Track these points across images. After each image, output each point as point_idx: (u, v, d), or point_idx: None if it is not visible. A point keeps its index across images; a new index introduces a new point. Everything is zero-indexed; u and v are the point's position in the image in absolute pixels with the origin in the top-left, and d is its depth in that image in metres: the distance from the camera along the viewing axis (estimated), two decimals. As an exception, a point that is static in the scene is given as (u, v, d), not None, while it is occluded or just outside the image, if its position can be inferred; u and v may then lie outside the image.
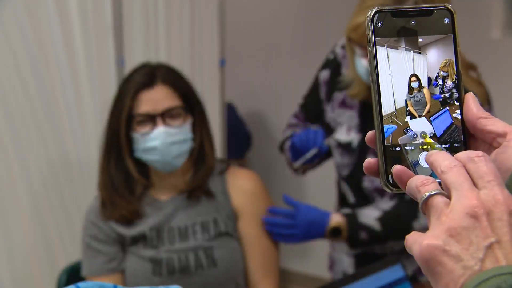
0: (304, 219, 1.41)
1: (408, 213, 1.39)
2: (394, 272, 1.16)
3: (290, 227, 1.41)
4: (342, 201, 1.61)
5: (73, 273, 1.55)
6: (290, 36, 3.31)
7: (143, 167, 1.41)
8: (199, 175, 1.41)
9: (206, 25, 2.61)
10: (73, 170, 1.97)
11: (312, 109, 1.60)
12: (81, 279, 1.42)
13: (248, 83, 3.51)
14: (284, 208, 1.44)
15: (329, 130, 1.54)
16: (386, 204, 1.43)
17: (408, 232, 1.48)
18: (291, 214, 1.41)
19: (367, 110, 1.46)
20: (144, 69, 1.36)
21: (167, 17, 2.40)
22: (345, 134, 1.49)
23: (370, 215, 1.42)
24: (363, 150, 1.47)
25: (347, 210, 1.49)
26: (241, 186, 1.43)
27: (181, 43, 2.49)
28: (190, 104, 1.37)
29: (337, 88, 1.50)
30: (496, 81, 2.52)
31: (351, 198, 1.55)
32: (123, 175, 1.38)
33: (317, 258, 3.37)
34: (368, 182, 1.47)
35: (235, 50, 3.22)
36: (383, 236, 1.41)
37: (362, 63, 1.33)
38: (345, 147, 1.50)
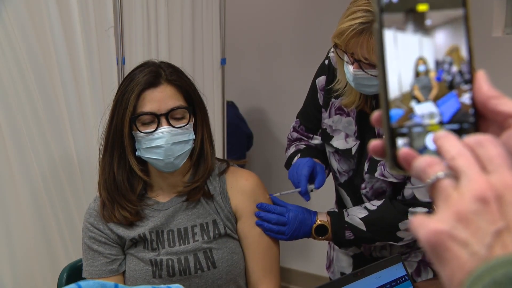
0: (294, 217, 1.42)
1: (393, 214, 1.39)
2: (396, 271, 1.16)
3: (281, 224, 1.41)
4: (340, 205, 1.61)
5: (74, 272, 1.55)
6: (290, 35, 3.30)
7: (143, 166, 1.40)
8: (199, 175, 1.40)
9: (207, 24, 2.60)
10: (74, 170, 1.97)
11: (312, 118, 1.59)
12: (82, 278, 1.42)
13: (248, 82, 3.51)
14: (274, 205, 1.44)
15: (326, 136, 1.53)
16: (378, 202, 1.43)
17: (393, 233, 1.46)
18: (281, 212, 1.42)
19: (363, 117, 1.45)
20: (148, 68, 1.35)
21: (168, 17, 2.39)
22: (343, 141, 1.48)
23: (355, 215, 1.42)
24: (361, 157, 1.46)
25: (333, 210, 1.49)
26: (240, 187, 1.42)
27: (182, 42, 2.48)
28: (193, 105, 1.37)
29: (334, 96, 1.49)
30: (497, 79, 2.52)
31: (349, 203, 1.55)
32: (125, 174, 1.38)
33: (318, 257, 3.37)
34: (366, 189, 1.47)
35: (235, 49, 3.22)
36: (369, 236, 1.42)
37: (349, 70, 1.31)
38: (343, 154, 1.49)
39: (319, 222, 1.43)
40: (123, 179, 1.37)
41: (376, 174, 1.42)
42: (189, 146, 1.36)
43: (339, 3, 3.17)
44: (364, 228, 1.40)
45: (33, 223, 1.84)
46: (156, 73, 1.33)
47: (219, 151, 2.70)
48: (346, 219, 1.42)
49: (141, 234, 1.38)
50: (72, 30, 1.94)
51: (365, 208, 1.42)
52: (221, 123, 2.75)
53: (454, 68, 0.50)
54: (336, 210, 1.49)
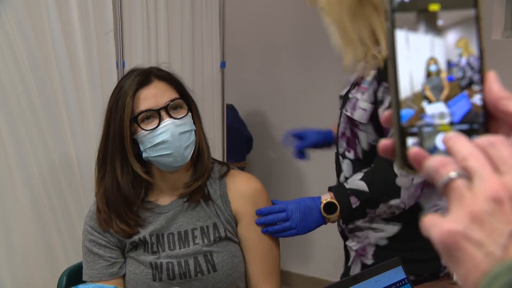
0: (295, 209, 1.41)
1: (385, 161, 1.39)
2: (396, 274, 1.16)
3: (284, 220, 1.40)
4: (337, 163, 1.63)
5: (74, 275, 1.55)
6: (290, 38, 3.31)
7: (145, 168, 1.40)
8: (199, 174, 1.40)
9: (207, 27, 2.61)
10: (74, 172, 1.97)
11: None
12: (82, 281, 1.42)
13: (248, 85, 3.51)
14: (273, 206, 1.44)
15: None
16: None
17: (393, 183, 1.50)
18: (281, 209, 1.41)
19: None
20: (136, 71, 1.37)
21: (168, 20, 2.40)
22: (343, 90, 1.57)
23: (354, 179, 1.42)
24: (344, 101, 1.51)
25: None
26: (240, 190, 1.42)
27: (182, 46, 2.49)
28: (186, 99, 1.38)
29: None
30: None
31: (336, 148, 1.60)
32: (129, 178, 1.37)
33: (318, 260, 3.37)
34: (340, 126, 1.52)
35: (235, 52, 3.22)
36: (372, 197, 1.39)
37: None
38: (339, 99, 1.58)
39: (325, 201, 1.41)
40: (128, 184, 1.37)
41: (343, 110, 1.47)
42: (193, 137, 1.36)
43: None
44: (366, 188, 1.39)
45: (33, 226, 1.84)
46: (145, 72, 1.36)
47: (219, 155, 2.70)
48: (347, 186, 1.41)
49: (141, 237, 1.38)
50: (72, 33, 1.94)
51: (361, 171, 1.44)
52: (221, 126, 2.76)
53: (466, 68, 0.50)
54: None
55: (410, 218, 1.45)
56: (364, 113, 1.44)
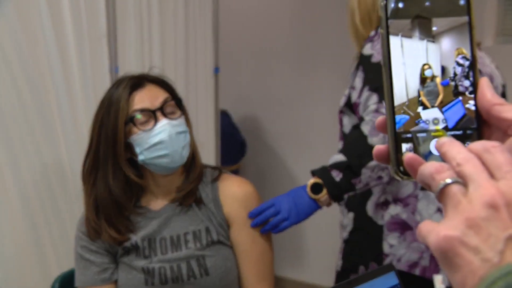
0: (285, 200, 1.42)
1: (355, 130, 1.46)
2: (388, 280, 1.16)
3: (275, 214, 1.41)
4: None
5: (66, 282, 1.55)
6: (284, 44, 3.32)
7: (137, 172, 1.39)
8: (191, 179, 1.40)
9: (200, 33, 2.61)
10: (67, 177, 1.96)
11: None
12: (75, 287, 1.41)
13: (242, 91, 3.52)
14: (262, 204, 1.45)
15: None
16: None
17: (367, 143, 1.60)
18: (270, 204, 1.42)
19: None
20: (127, 78, 1.37)
21: (161, 26, 2.40)
22: None
23: (333, 156, 1.46)
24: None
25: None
26: (232, 194, 1.42)
27: (175, 51, 2.49)
28: (178, 102, 1.38)
29: None
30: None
31: None
32: (121, 183, 1.36)
33: (312, 265, 3.37)
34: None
35: (229, 57, 3.23)
36: (351, 163, 1.41)
37: None
38: None
39: (310, 183, 1.43)
40: (120, 188, 1.36)
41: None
42: (188, 138, 1.36)
43: (334, 11, 3.19)
44: (343, 158, 1.41)
45: (24, 232, 1.83)
46: (138, 77, 1.37)
47: (212, 160, 2.70)
48: (327, 164, 1.44)
49: (133, 242, 1.37)
50: (65, 39, 1.94)
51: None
52: (214, 132, 2.76)
53: (459, 74, 0.50)
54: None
55: (358, 207, 1.57)
56: (344, 97, 1.55)
